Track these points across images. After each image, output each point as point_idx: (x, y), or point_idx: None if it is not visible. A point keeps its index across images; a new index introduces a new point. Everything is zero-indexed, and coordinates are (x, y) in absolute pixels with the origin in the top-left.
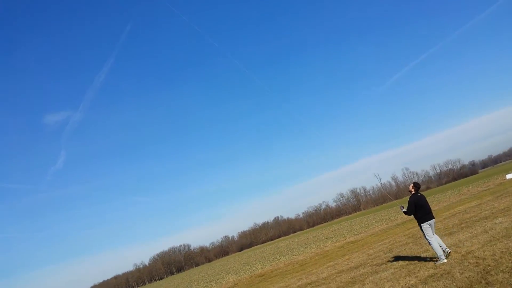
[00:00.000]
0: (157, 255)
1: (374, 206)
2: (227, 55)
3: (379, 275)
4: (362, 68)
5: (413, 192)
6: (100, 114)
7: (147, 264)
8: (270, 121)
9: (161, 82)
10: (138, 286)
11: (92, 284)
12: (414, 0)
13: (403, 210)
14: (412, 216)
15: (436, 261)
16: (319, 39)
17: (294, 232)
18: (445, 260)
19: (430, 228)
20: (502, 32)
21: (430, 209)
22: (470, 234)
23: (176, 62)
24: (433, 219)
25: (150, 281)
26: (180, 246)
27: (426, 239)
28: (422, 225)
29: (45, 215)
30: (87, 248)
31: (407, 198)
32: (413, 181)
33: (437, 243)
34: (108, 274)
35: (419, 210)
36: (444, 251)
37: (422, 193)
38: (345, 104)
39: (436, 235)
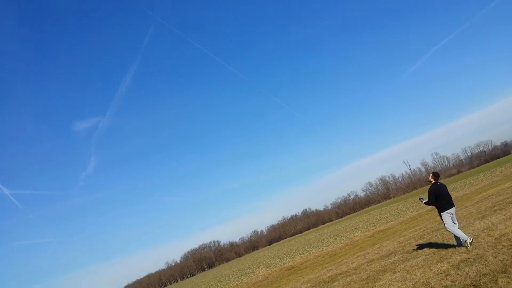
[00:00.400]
0: (188, 252)
1: (403, 194)
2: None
3: (410, 262)
4: (387, 55)
5: (433, 181)
6: (126, 119)
7: (178, 261)
8: (293, 114)
9: (184, 84)
10: (170, 284)
11: (126, 284)
12: None
13: (424, 201)
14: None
15: (466, 246)
16: (344, 28)
17: (323, 223)
18: (469, 245)
19: (449, 217)
20: None
21: (451, 198)
22: (503, 217)
23: (197, 64)
24: (454, 208)
25: (182, 278)
26: (210, 242)
27: (446, 227)
28: (442, 214)
29: (78, 220)
30: (120, 250)
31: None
32: (432, 171)
33: (457, 228)
34: (141, 273)
35: (440, 199)
36: (470, 240)
37: (443, 181)
38: (370, 92)
39: (456, 224)
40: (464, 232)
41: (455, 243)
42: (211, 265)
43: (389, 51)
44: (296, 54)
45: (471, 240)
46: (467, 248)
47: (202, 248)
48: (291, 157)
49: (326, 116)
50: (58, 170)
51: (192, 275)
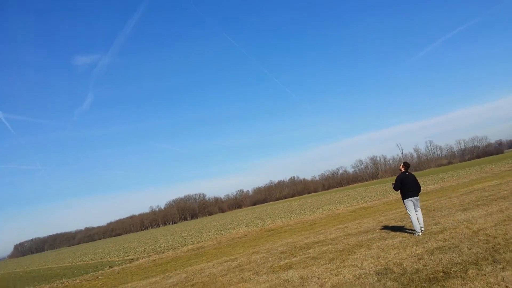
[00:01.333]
0: (173, 200)
1: (392, 176)
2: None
3: (386, 241)
4: (397, 38)
5: (403, 171)
6: (128, 60)
7: (162, 208)
8: (296, 80)
9: (189, 33)
10: (151, 228)
11: (108, 221)
12: None
13: (393, 186)
14: (420, 192)
15: (414, 233)
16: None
17: (309, 193)
18: (420, 234)
19: (411, 204)
20: None
21: (416, 188)
22: (485, 212)
23: (203, 13)
24: (416, 197)
25: (164, 224)
26: (195, 194)
27: (408, 213)
28: (405, 200)
29: (68, 152)
30: (106, 188)
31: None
32: (404, 161)
33: (415, 218)
34: (124, 213)
35: (404, 187)
36: (422, 230)
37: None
38: (376, 73)
39: (419, 212)
40: (420, 224)
41: (435, 229)
42: (193, 216)
43: (399, 34)
44: (291, 26)
45: (419, 233)
46: (415, 234)
47: (187, 199)
48: (285, 124)
49: (320, 90)
50: (54, 100)
51: (174, 223)
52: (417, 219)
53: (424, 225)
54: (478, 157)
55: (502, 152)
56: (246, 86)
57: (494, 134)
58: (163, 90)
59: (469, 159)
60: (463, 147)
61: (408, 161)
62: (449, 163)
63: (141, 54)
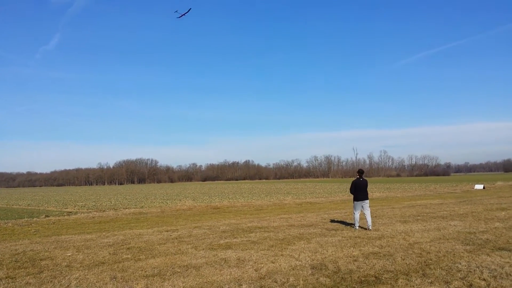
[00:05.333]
0: (124, 161)
1: (342, 177)
2: None
3: (326, 238)
4: (378, 45)
5: (358, 176)
6: (106, 5)
7: (111, 167)
8: (267, 65)
9: None
10: (96, 184)
11: (53, 170)
12: None
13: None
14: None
15: (353, 226)
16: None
17: (260, 179)
18: (357, 228)
19: (359, 205)
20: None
21: (365, 193)
22: (423, 227)
23: None
24: (365, 200)
25: (110, 183)
26: (147, 159)
27: (353, 210)
28: (354, 202)
29: (23, 90)
30: (56, 134)
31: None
32: (359, 168)
33: (357, 216)
34: (70, 164)
35: (356, 191)
36: (367, 227)
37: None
38: (346, 76)
39: (368, 212)
40: (366, 222)
41: (374, 234)
42: (142, 181)
43: (377, 43)
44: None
45: (357, 227)
46: (354, 228)
47: (138, 162)
48: (252, 107)
49: (290, 80)
50: (18, 33)
51: (121, 184)
52: (366, 219)
53: (365, 228)
54: (426, 175)
55: (449, 175)
56: (222, 63)
57: (445, 156)
58: (135, 45)
59: (417, 175)
60: (413, 162)
61: (362, 168)
62: (398, 175)
63: (120, 2)
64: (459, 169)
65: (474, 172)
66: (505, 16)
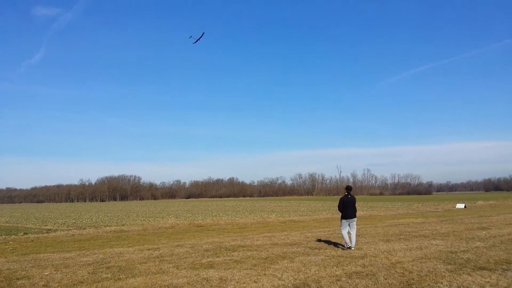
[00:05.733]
0: (106, 177)
1: (326, 195)
2: None
3: (309, 257)
4: (364, 65)
5: (346, 193)
6: (91, 22)
7: (93, 183)
8: (255, 83)
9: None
10: (78, 201)
11: (33, 186)
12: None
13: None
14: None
15: (344, 247)
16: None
17: (244, 196)
18: (349, 244)
19: (346, 223)
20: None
21: (354, 210)
22: (405, 246)
23: None
24: (353, 219)
25: (91, 200)
26: (130, 176)
27: (341, 228)
28: (342, 220)
29: (5, 104)
30: (37, 150)
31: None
32: (347, 184)
33: (345, 234)
34: (52, 181)
35: (344, 208)
36: (349, 245)
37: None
38: (332, 95)
39: (354, 231)
40: (350, 240)
41: (357, 253)
42: (124, 198)
43: (365, 61)
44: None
45: (348, 247)
46: (343, 248)
47: (121, 179)
48: (238, 124)
49: (274, 98)
50: (3, 46)
51: (102, 201)
52: (349, 238)
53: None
54: (408, 193)
55: (431, 194)
56: (209, 81)
57: (427, 175)
58: (119, 62)
59: (399, 194)
60: (396, 181)
61: (350, 185)
62: (381, 194)
63: (106, 18)
64: (441, 188)
65: (455, 191)
66: (484, 38)
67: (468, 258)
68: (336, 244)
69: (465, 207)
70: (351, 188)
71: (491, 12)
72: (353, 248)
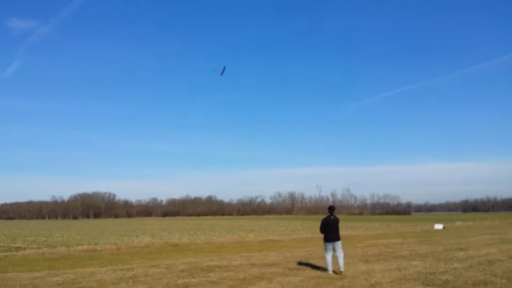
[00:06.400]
0: (79, 194)
1: (306, 214)
2: None
3: (288, 278)
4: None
5: (328, 214)
6: (68, 38)
7: (66, 200)
8: (232, 101)
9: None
10: (49, 218)
11: (3, 202)
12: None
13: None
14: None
15: (327, 272)
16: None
17: (223, 215)
18: (331, 273)
19: (329, 246)
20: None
21: (336, 232)
22: (384, 267)
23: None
24: (336, 242)
25: (64, 217)
26: (105, 193)
27: (324, 252)
28: (325, 243)
29: None
30: (7, 165)
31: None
32: (329, 205)
33: (329, 259)
34: (22, 197)
35: (326, 230)
36: (338, 271)
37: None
38: (314, 114)
39: (340, 254)
40: (338, 264)
41: (336, 273)
42: (98, 215)
43: (345, 82)
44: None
45: (330, 272)
46: (328, 272)
47: (95, 196)
48: (217, 142)
49: (254, 114)
50: None
51: (75, 218)
52: (338, 262)
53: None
54: (387, 213)
55: (410, 214)
56: (184, 98)
57: (406, 195)
58: (93, 78)
59: (378, 214)
60: (376, 201)
61: (333, 205)
62: (360, 213)
63: (82, 34)
64: (419, 208)
65: (434, 211)
66: (463, 60)
67: (447, 279)
68: (315, 265)
69: (443, 227)
70: (334, 208)
71: (446, 41)
72: (343, 272)
